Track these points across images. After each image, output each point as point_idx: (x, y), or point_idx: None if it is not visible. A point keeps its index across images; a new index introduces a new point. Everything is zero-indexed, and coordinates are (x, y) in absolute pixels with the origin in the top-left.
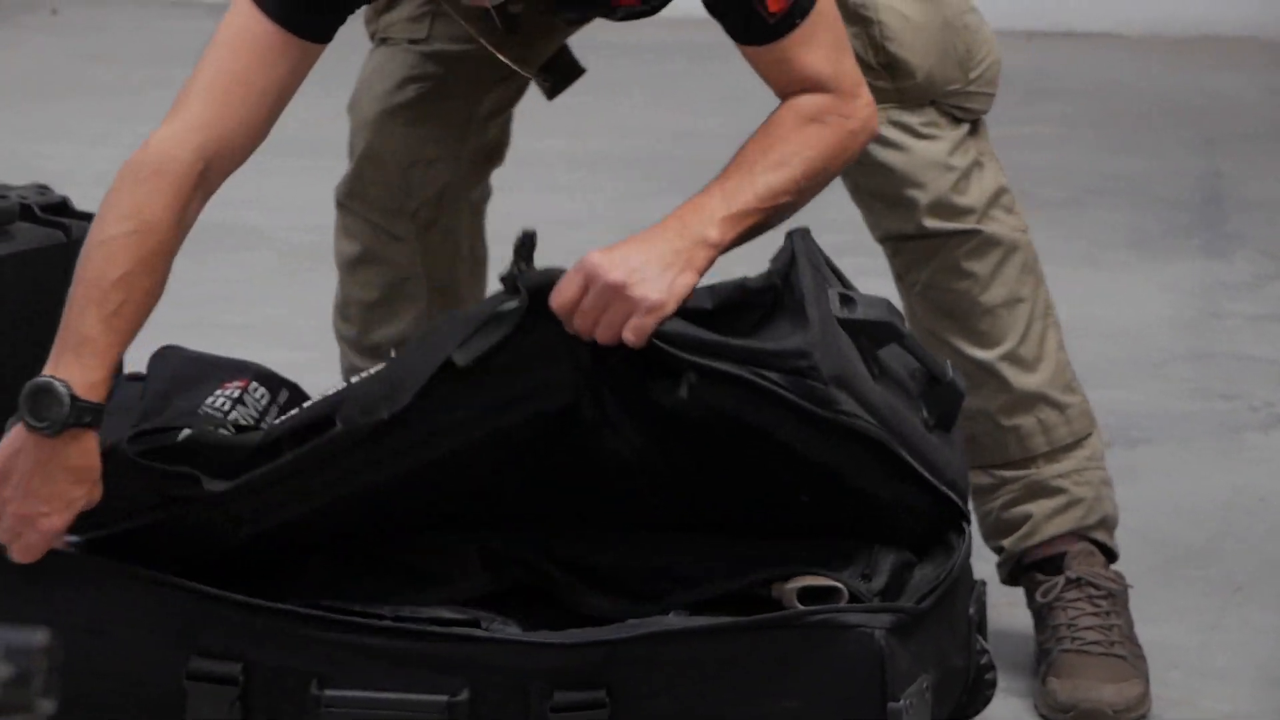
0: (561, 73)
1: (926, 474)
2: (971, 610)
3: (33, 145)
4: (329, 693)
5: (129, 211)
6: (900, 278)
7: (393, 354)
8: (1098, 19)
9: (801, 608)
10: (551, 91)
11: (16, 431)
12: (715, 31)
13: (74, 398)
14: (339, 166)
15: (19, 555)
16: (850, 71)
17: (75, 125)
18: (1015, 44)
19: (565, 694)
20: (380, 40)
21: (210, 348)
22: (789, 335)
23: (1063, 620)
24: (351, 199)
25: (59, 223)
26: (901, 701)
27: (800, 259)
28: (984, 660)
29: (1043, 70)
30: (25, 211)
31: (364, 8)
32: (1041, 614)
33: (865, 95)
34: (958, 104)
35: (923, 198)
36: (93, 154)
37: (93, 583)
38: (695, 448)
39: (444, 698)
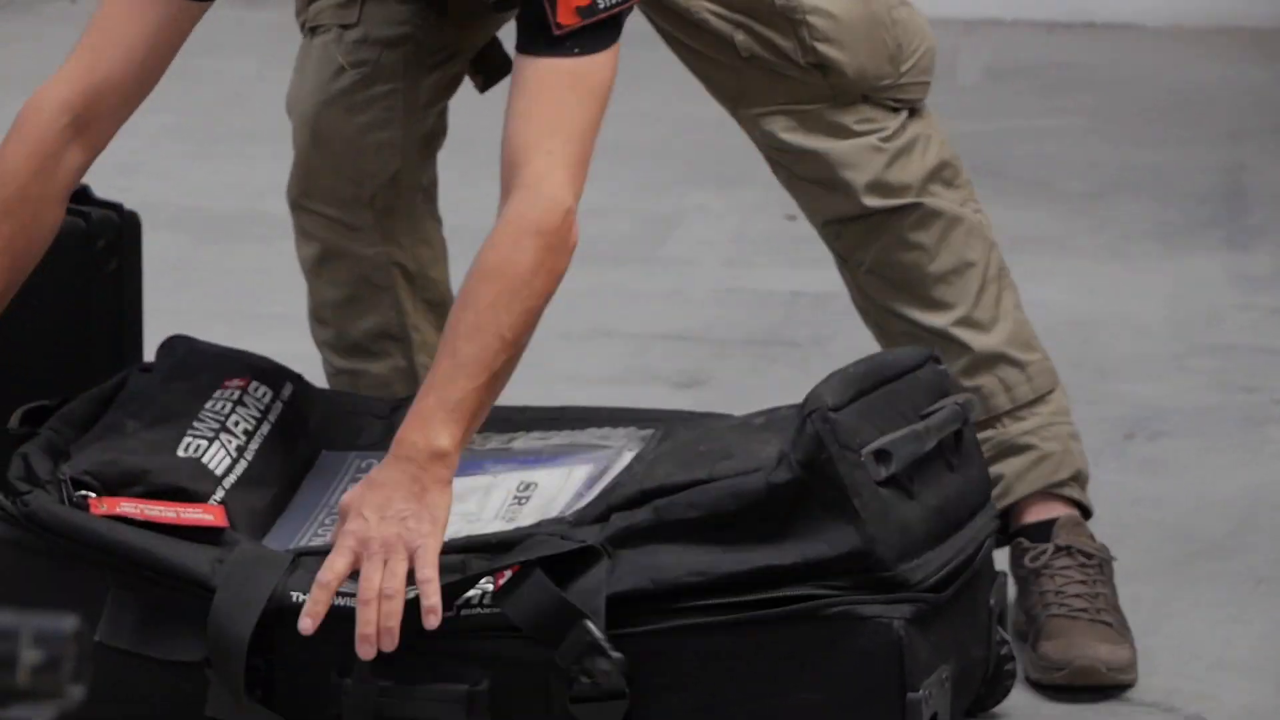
0: (494, 66)
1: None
2: (992, 601)
3: None
4: (349, 682)
5: None
6: (844, 260)
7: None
8: (1119, 10)
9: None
10: (484, 85)
11: None
12: None
13: None
14: None
15: None
16: (561, 161)
17: None
18: (1036, 35)
19: (586, 684)
20: (310, 30)
21: (240, 336)
22: (831, 528)
23: (1050, 587)
24: (305, 197)
25: (79, 211)
26: (921, 692)
27: (830, 447)
28: (1004, 651)
29: (1064, 62)
30: None
31: None
32: (1028, 580)
33: (561, 197)
34: (891, 96)
35: (859, 178)
36: (113, 144)
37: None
38: None
39: (464, 687)
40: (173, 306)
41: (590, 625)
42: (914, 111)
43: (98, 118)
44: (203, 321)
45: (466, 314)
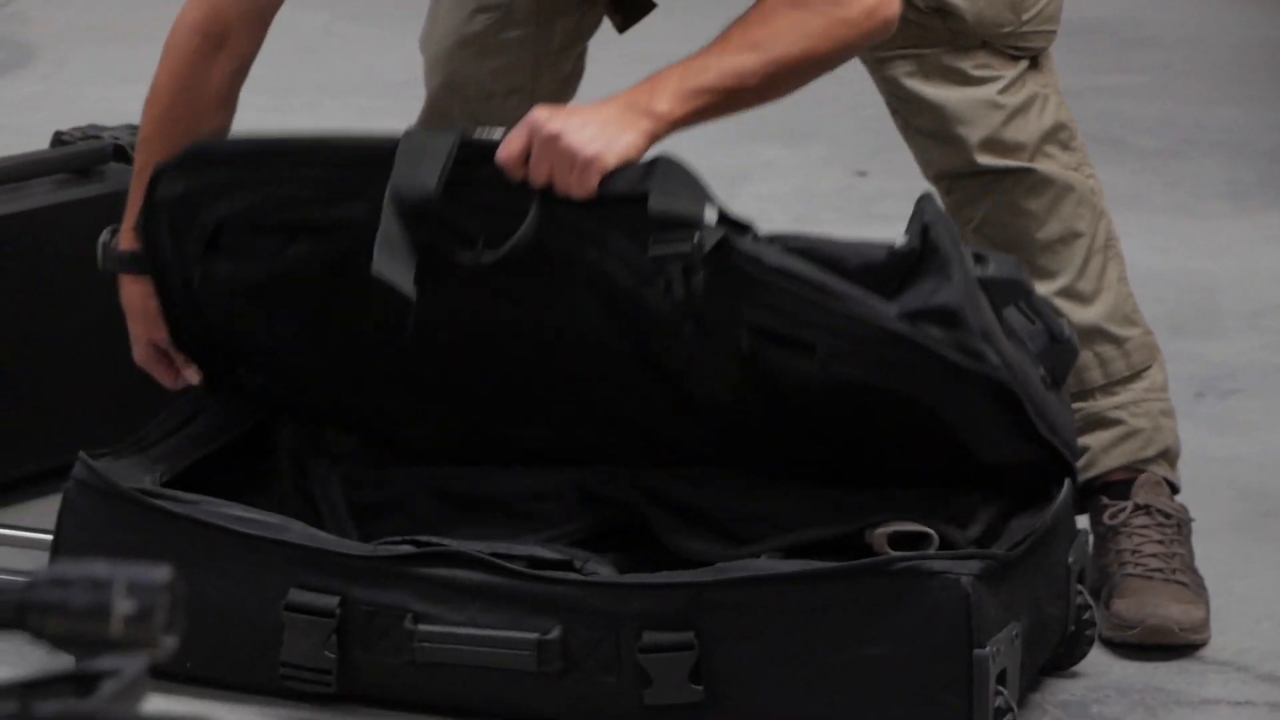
0: (633, 6)
1: (1046, 433)
2: (1071, 560)
3: (123, 89)
4: (423, 628)
5: (151, 88)
6: (955, 214)
7: None
8: None
9: (891, 553)
10: (622, 25)
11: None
12: None
13: (106, 247)
14: (402, 107)
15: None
16: None
17: None
18: None
19: (654, 635)
20: None
21: None
22: (934, 293)
23: (1127, 546)
24: None
25: None
26: (988, 648)
27: (937, 222)
28: (1086, 614)
29: (1137, 19)
30: (118, 152)
31: None
32: (1106, 537)
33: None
34: (1012, 44)
35: (973, 135)
36: None
37: (197, 520)
38: (808, 407)
39: (535, 635)
40: None
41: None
42: (1034, 63)
43: (231, 30)
44: None
45: (749, 28)
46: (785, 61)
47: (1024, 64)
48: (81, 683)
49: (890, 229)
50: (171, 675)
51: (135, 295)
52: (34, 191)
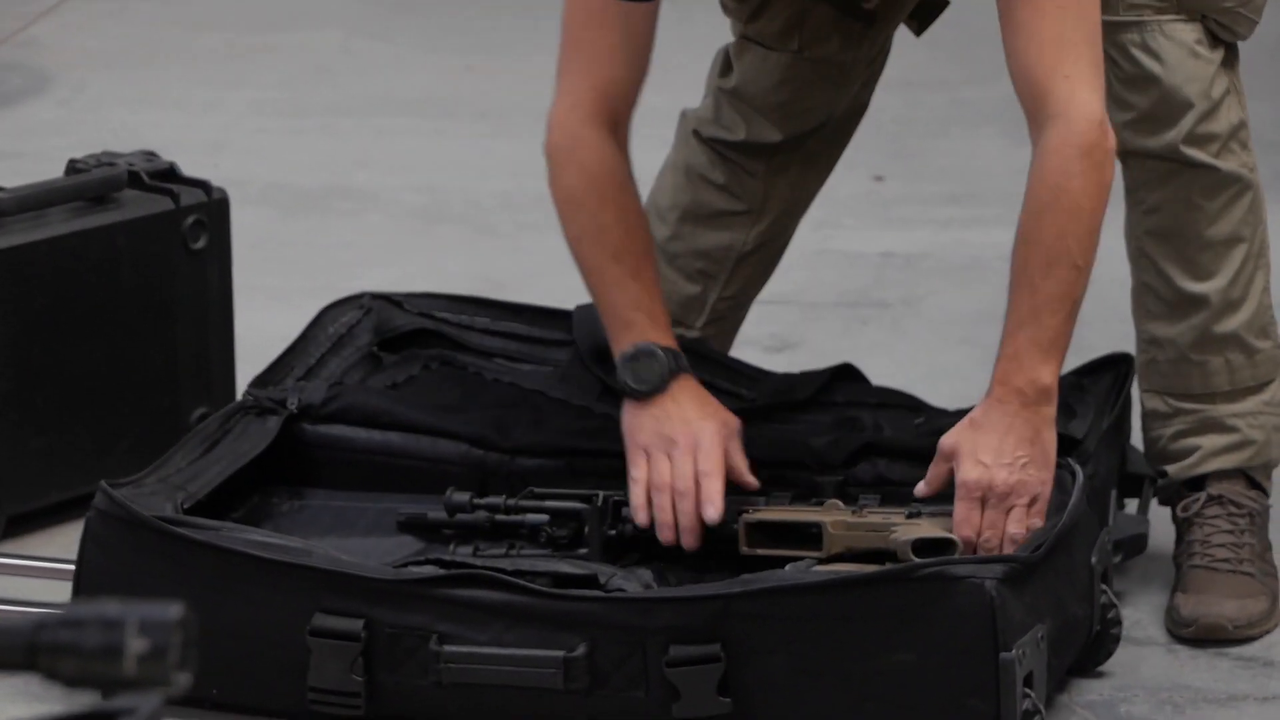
0: (929, 8)
1: None
2: (1094, 559)
3: (140, 114)
4: (448, 648)
5: (567, 198)
6: (1131, 191)
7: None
8: None
9: (915, 560)
10: (919, 29)
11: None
12: None
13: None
14: (449, 126)
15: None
16: (1081, 79)
17: (182, 93)
18: None
19: (681, 648)
20: (750, 40)
21: None
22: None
23: (1197, 537)
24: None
25: (167, 189)
26: (1014, 651)
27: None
28: (1111, 614)
29: None
30: (134, 179)
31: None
32: (1180, 529)
33: (1102, 119)
34: (1226, 23)
35: (1182, 122)
36: (201, 121)
37: (219, 547)
38: None
39: (561, 653)
40: (262, 283)
41: None
42: (1230, 52)
43: (624, 109)
44: (292, 297)
45: (1035, 250)
46: (1084, 251)
47: (1223, 51)
48: None
49: (908, 233)
50: (198, 702)
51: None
52: (50, 219)
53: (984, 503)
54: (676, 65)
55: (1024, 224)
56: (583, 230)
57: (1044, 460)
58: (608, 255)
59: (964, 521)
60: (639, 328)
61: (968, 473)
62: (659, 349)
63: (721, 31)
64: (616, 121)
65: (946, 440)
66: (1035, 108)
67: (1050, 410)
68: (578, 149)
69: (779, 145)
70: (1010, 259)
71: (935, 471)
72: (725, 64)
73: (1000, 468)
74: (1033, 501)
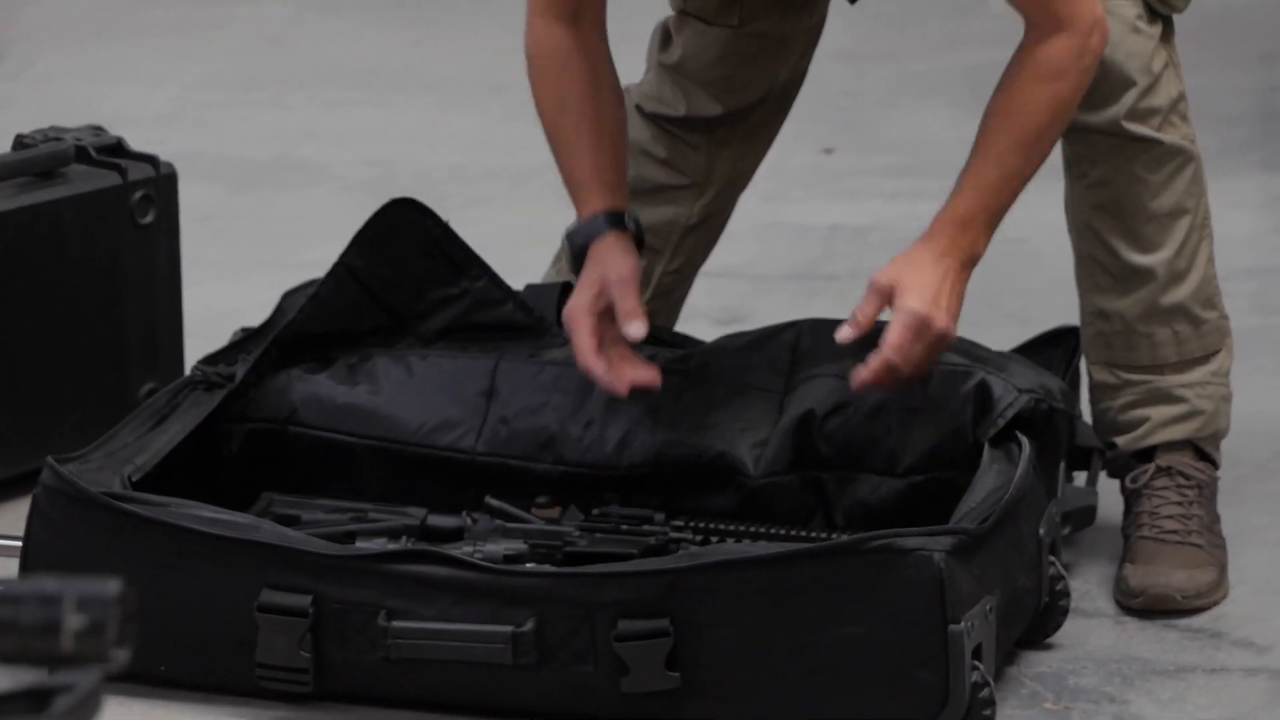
0: None
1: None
2: (1042, 531)
3: (88, 87)
4: (396, 624)
5: (541, 100)
6: (1072, 165)
7: None
8: None
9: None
10: None
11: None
12: None
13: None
14: (399, 99)
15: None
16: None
17: (131, 66)
18: None
19: (629, 623)
20: (689, 15)
21: (278, 284)
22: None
23: (1146, 508)
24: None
25: (114, 164)
26: (963, 623)
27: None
28: (1059, 585)
29: None
30: (81, 154)
31: None
32: (1129, 500)
33: (1100, 18)
34: None
35: (1125, 97)
36: (150, 95)
37: (167, 523)
38: None
39: (509, 628)
40: (211, 256)
41: None
42: (1168, 25)
43: (586, 9)
44: (241, 271)
45: (1012, 126)
46: (1051, 142)
47: (1160, 25)
48: (35, 699)
49: (858, 205)
50: (146, 678)
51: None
52: None
53: (917, 336)
54: (624, 37)
55: (1006, 98)
56: (547, 101)
57: (956, 320)
58: (570, 126)
59: (899, 348)
60: (591, 199)
61: (914, 304)
62: (602, 216)
63: (661, 3)
64: (585, 15)
65: (883, 277)
66: (1036, 11)
67: (968, 275)
68: (548, 39)
69: (720, 118)
70: (982, 118)
71: (867, 309)
72: (665, 38)
73: (940, 310)
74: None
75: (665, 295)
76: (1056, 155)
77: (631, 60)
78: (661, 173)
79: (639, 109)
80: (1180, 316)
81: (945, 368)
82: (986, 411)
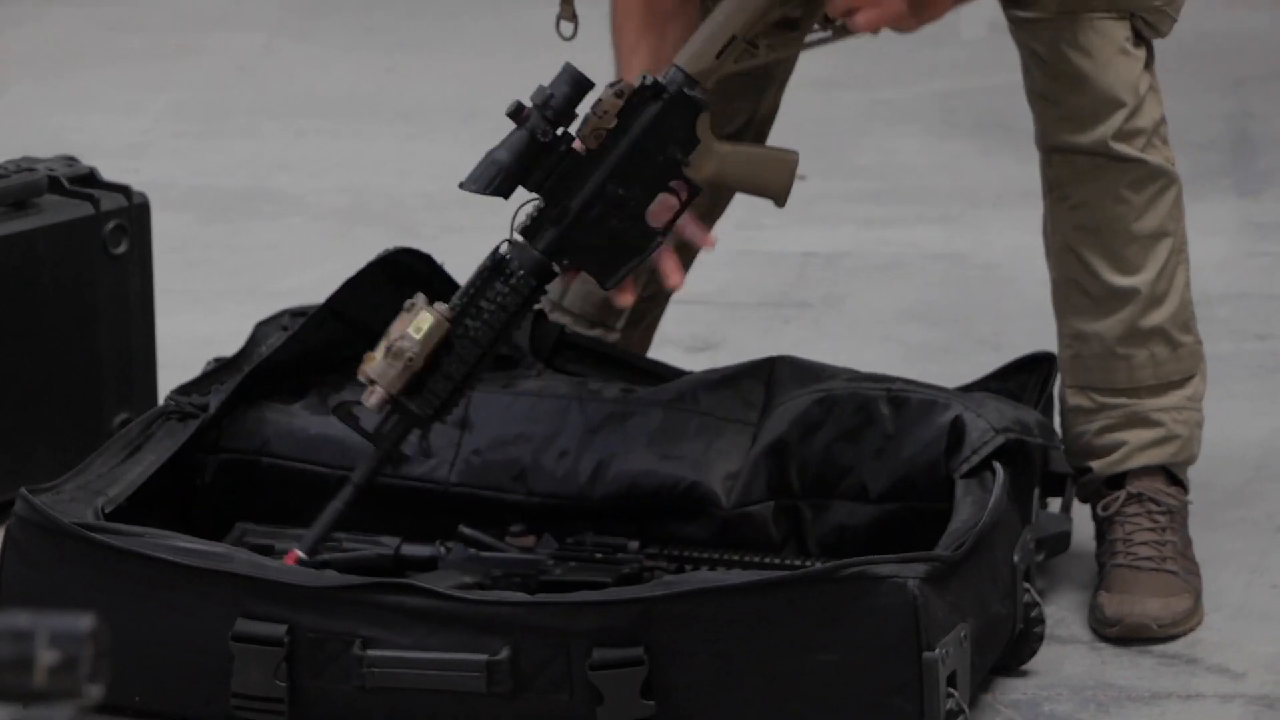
0: None
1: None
2: (1017, 557)
3: (60, 117)
4: (371, 653)
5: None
6: (1051, 189)
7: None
8: None
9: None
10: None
11: None
12: None
13: None
14: (371, 127)
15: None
16: None
17: (103, 96)
18: None
19: (604, 651)
20: None
21: (251, 314)
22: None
23: (1119, 535)
24: None
25: (87, 194)
26: (937, 650)
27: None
28: (1034, 612)
29: None
30: (54, 184)
31: None
32: (1101, 528)
33: None
34: (1153, 21)
35: (1112, 118)
36: (123, 124)
37: (141, 554)
38: None
39: (484, 656)
40: (183, 286)
41: None
42: (1150, 50)
43: None
44: (214, 300)
45: None
46: None
47: (1144, 51)
48: None
49: (830, 231)
50: (121, 709)
51: None
52: None
53: None
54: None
55: None
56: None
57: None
58: (633, 24)
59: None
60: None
61: None
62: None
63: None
64: None
65: None
66: None
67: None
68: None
69: None
70: None
71: None
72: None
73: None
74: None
75: (637, 323)
76: (1034, 180)
77: None
78: None
79: None
80: (1158, 339)
81: (922, 398)
82: (959, 446)
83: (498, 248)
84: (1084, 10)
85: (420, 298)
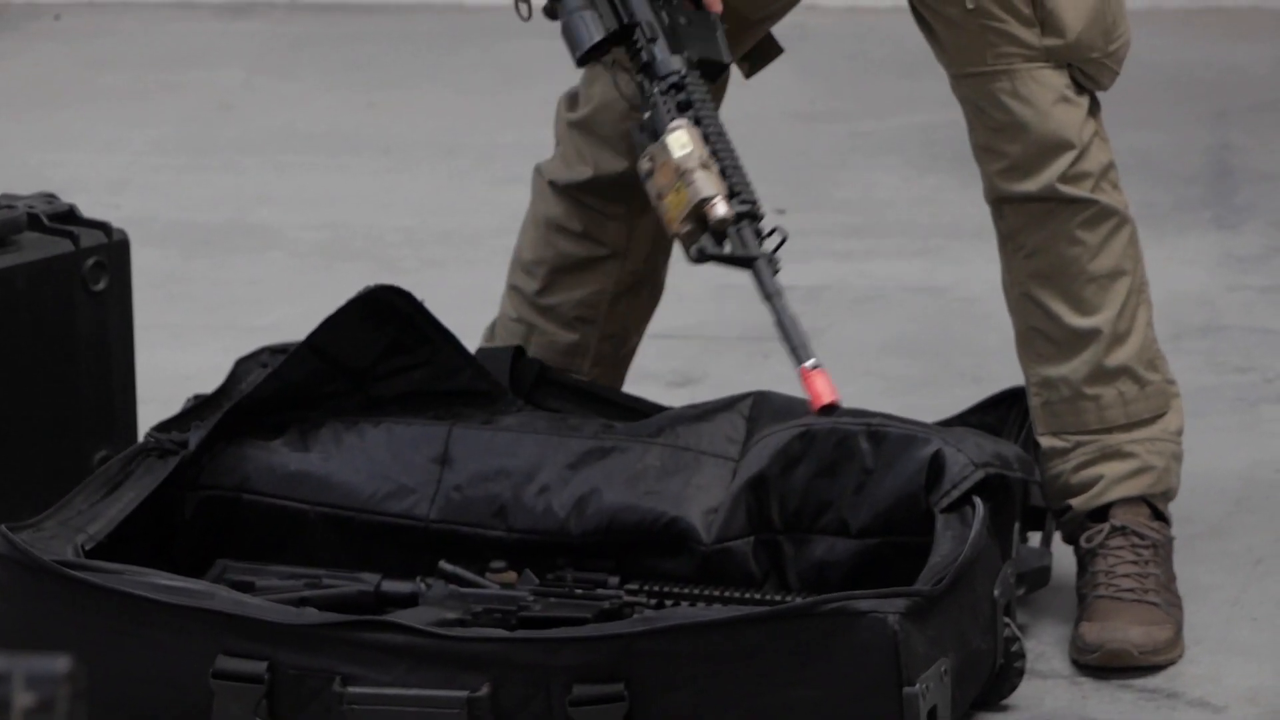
0: (760, 53)
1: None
2: (997, 592)
3: (40, 153)
4: (352, 690)
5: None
6: (1005, 240)
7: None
8: None
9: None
10: (750, 71)
11: None
12: None
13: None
14: (352, 162)
15: None
16: None
17: (83, 132)
18: None
19: (585, 688)
20: (605, 65)
21: (232, 349)
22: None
23: (1102, 567)
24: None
25: (67, 231)
26: (918, 686)
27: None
28: (1014, 646)
29: None
30: (33, 221)
31: None
32: (1084, 560)
33: None
34: (1091, 73)
35: (1058, 162)
36: (102, 161)
37: (121, 591)
38: None
39: (465, 693)
40: (164, 321)
41: None
42: (1094, 100)
43: None
44: (195, 335)
45: None
46: None
47: (1088, 100)
48: None
49: (810, 265)
50: None
51: None
52: None
53: None
54: (537, 100)
55: None
56: None
57: None
58: None
59: None
60: None
61: None
62: None
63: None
64: None
65: None
66: None
67: None
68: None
69: (633, 177)
70: None
71: None
72: (572, 100)
73: None
74: None
75: (605, 360)
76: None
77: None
78: (580, 247)
79: (552, 184)
80: (1125, 377)
81: (902, 433)
82: (939, 481)
83: (650, 93)
84: (1021, 60)
85: (663, 140)
